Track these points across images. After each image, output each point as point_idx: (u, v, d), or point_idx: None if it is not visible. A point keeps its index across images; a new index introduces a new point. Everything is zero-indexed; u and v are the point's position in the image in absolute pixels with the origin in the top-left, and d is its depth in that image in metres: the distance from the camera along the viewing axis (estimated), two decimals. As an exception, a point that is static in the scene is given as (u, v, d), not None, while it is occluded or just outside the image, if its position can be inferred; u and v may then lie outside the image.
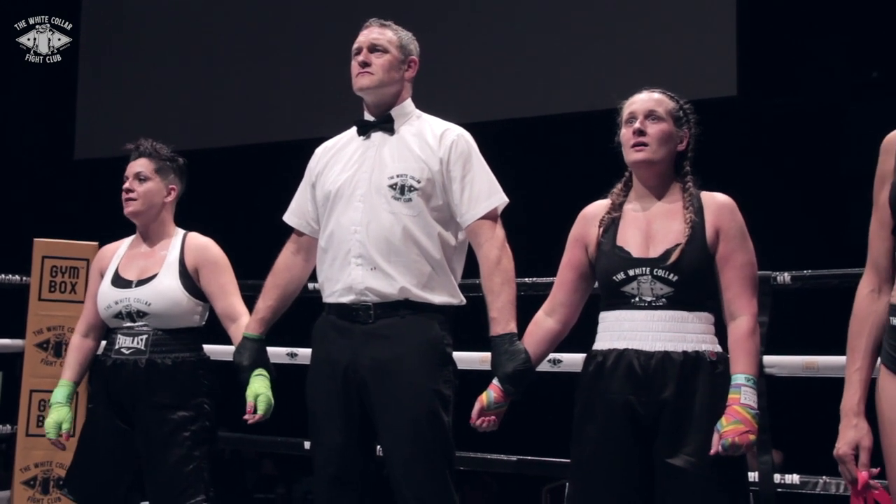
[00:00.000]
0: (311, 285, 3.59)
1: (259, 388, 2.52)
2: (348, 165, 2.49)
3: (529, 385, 2.36)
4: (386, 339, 2.37)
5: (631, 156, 2.23)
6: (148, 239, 2.80)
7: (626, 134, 2.25)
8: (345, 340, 2.40)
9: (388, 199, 2.40)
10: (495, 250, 2.41)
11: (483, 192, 2.44)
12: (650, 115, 2.22)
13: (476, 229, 2.43)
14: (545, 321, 2.36)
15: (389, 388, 2.34)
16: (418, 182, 2.41)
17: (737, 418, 2.04)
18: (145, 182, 2.77)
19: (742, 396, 2.06)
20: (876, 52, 4.54)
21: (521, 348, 2.33)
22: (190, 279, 2.72)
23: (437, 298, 2.41)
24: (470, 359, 3.09)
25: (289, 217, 2.64)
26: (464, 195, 2.43)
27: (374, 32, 2.52)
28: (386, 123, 2.49)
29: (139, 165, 2.79)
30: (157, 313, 2.68)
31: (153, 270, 2.73)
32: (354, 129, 2.56)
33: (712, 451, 2.03)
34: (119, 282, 2.74)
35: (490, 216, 2.44)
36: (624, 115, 2.27)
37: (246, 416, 2.52)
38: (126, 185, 2.78)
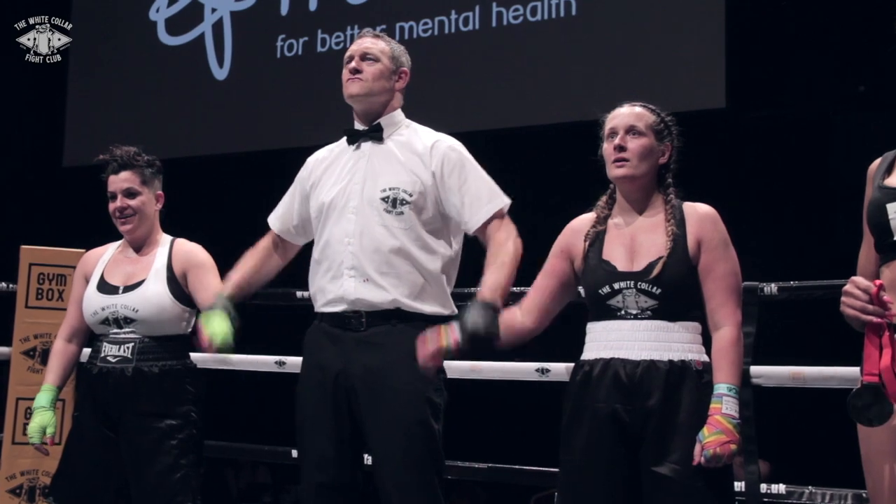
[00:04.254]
0: (299, 293, 3.59)
1: (216, 323, 2.45)
2: (340, 177, 2.50)
3: (482, 350, 2.33)
4: (377, 347, 2.37)
5: (612, 172, 2.25)
6: (137, 246, 2.78)
7: (607, 149, 2.26)
8: (336, 348, 2.41)
9: (380, 212, 2.42)
10: (504, 234, 2.40)
11: (483, 197, 2.44)
12: (631, 131, 2.24)
13: (484, 230, 2.42)
14: (518, 314, 2.34)
15: (380, 395, 2.34)
16: (410, 195, 2.42)
17: (718, 428, 2.05)
18: (136, 197, 2.74)
19: (724, 406, 2.07)
20: (863, 66, 4.57)
21: (497, 319, 2.27)
22: (178, 285, 2.70)
23: (429, 308, 2.42)
24: (460, 368, 3.09)
25: (272, 221, 2.66)
26: (465, 204, 2.43)
27: (367, 42, 2.53)
28: (375, 132, 2.50)
29: (125, 180, 2.74)
30: (144, 319, 2.66)
31: (140, 276, 2.71)
32: (344, 140, 2.57)
33: (694, 462, 2.05)
34: (105, 287, 2.72)
35: (496, 216, 2.43)
36: (605, 130, 2.28)
37: (203, 346, 2.44)
38: (118, 204, 2.73)
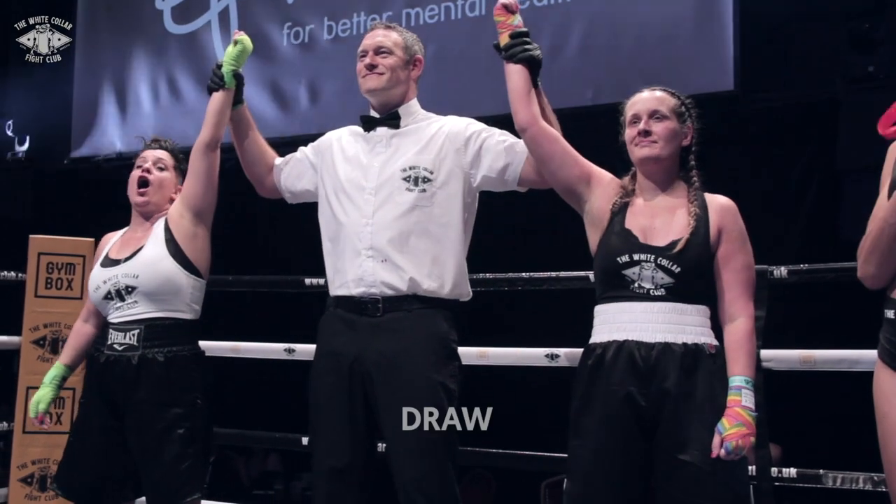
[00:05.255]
0: (308, 281, 3.59)
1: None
2: (357, 159, 2.53)
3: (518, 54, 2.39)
4: (393, 333, 2.38)
5: (637, 153, 2.25)
6: (140, 224, 2.77)
7: (630, 134, 2.27)
8: (351, 334, 2.42)
9: (401, 190, 2.44)
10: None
11: (510, 140, 2.48)
12: (654, 115, 2.24)
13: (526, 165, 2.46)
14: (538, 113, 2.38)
15: (396, 380, 2.35)
16: (431, 173, 2.44)
17: (739, 421, 2.05)
18: (163, 171, 2.77)
19: (743, 399, 2.08)
20: (872, 47, 4.53)
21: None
22: (177, 247, 2.67)
23: (448, 293, 2.44)
24: (469, 354, 3.09)
25: (278, 161, 2.73)
26: (504, 152, 2.47)
27: (379, 35, 2.56)
28: (391, 119, 2.53)
29: (161, 154, 2.79)
30: (147, 286, 2.62)
31: (140, 245, 2.70)
32: (360, 127, 2.59)
33: (714, 454, 2.04)
34: (107, 262, 2.71)
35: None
36: (627, 116, 2.29)
37: None
38: (146, 166, 2.76)
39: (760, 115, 4.75)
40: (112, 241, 2.80)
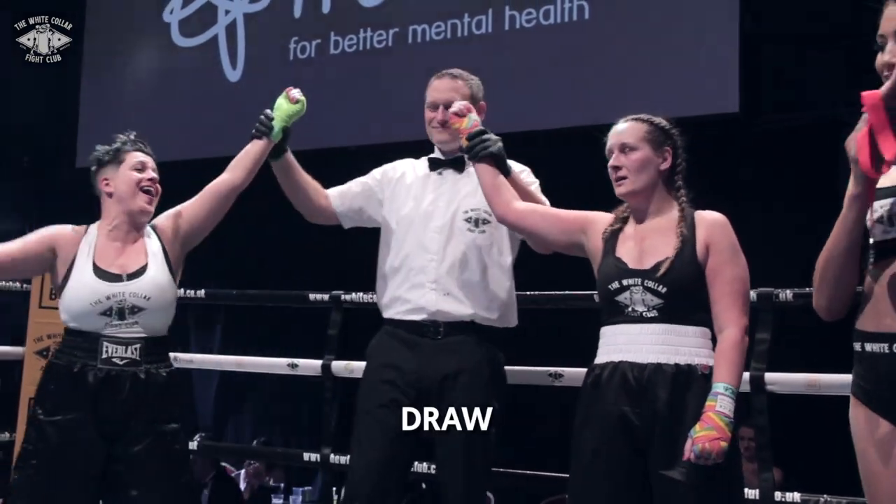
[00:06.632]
0: (312, 296, 3.59)
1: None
2: (423, 196, 2.70)
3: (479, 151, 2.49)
4: (453, 354, 2.56)
5: (615, 190, 2.32)
6: (125, 232, 2.60)
7: (609, 167, 2.33)
8: (413, 352, 2.59)
9: (463, 231, 2.63)
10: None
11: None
12: (623, 148, 2.30)
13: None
14: (512, 196, 2.46)
15: (454, 399, 2.52)
16: (490, 215, 2.60)
17: (710, 425, 2.06)
18: (157, 182, 2.65)
19: (718, 404, 2.08)
20: (875, 71, 4.55)
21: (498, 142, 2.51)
22: (172, 267, 2.60)
23: (500, 322, 2.64)
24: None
25: (334, 195, 2.80)
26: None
27: (449, 90, 2.69)
28: (457, 163, 2.71)
29: (152, 162, 2.65)
30: (154, 307, 2.53)
31: (139, 262, 2.56)
32: (422, 160, 2.77)
33: (685, 457, 2.06)
34: (104, 275, 2.52)
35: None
36: (606, 149, 2.35)
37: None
38: (151, 175, 2.62)
39: (764, 137, 4.76)
40: (88, 244, 2.57)
